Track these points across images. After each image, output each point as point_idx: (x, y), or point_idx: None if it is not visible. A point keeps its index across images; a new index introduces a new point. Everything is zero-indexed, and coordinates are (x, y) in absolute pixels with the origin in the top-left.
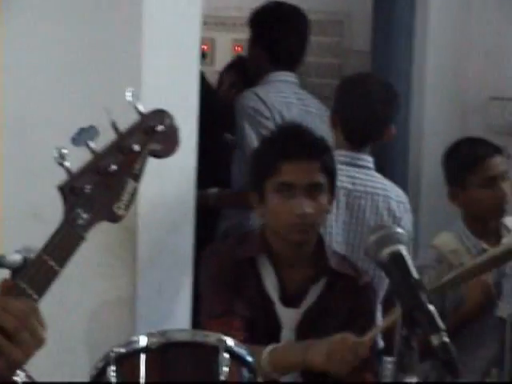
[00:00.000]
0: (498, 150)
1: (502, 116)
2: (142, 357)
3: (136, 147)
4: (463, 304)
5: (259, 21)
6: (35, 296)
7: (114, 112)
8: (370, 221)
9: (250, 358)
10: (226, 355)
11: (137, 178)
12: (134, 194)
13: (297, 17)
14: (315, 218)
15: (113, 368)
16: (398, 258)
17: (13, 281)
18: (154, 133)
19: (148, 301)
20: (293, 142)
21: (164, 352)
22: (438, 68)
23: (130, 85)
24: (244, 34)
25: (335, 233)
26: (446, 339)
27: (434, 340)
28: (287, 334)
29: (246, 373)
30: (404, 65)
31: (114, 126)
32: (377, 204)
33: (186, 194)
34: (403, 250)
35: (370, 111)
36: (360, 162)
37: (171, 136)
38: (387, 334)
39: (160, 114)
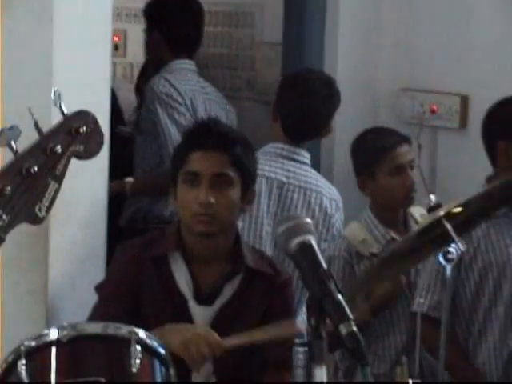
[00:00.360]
0: (405, 139)
1: (412, 107)
2: (53, 350)
3: (58, 148)
4: (373, 294)
5: (154, 10)
6: None
7: (24, 108)
8: (300, 215)
9: (162, 350)
10: (138, 347)
11: (59, 179)
12: (55, 196)
13: (191, 5)
14: (219, 210)
15: (23, 362)
16: (306, 248)
17: None
18: (77, 134)
19: (60, 294)
20: (203, 133)
21: (75, 345)
22: (349, 59)
23: (41, 77)
24: None
25: (266, 223)
26: (355, 328)
27: (343, 329)
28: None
29: (158, 364)
30: (315, 56)
31: (37, 127)
32: (309, 199)
33: (98, 188)
34: (312, 240)
35: (312, 108)
36: (297, 157)
37: (94, 137)
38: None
39: (84, 115)
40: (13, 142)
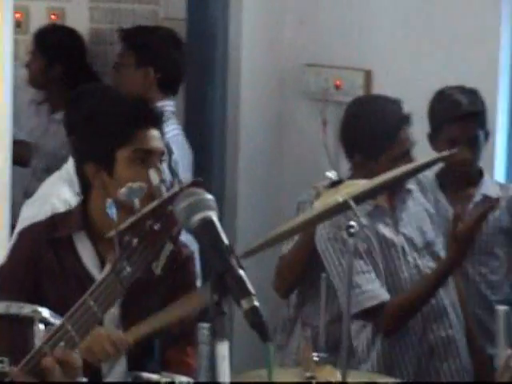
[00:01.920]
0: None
1: (317, 82)
2: None
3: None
4: None
5: None
6: None
7: None
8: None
9: None
10: (42, 326)
11: (173, 240)
12: (166, 256)
13: None
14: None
15: None
16: (208, 224)
17: None
18: None
19: None
20: (143, 109)
21: None
22: (254, 35)
23: None
24: (59, 2)
25: None
26: (256, 303)
27: (245, 304)
28: (111, 310)
29: None
30: (220, 32)
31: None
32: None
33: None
34: (213, 216)
35: (180, 60)
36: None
37: None
38: None
39: (198, 186)
40: (136, 200)
